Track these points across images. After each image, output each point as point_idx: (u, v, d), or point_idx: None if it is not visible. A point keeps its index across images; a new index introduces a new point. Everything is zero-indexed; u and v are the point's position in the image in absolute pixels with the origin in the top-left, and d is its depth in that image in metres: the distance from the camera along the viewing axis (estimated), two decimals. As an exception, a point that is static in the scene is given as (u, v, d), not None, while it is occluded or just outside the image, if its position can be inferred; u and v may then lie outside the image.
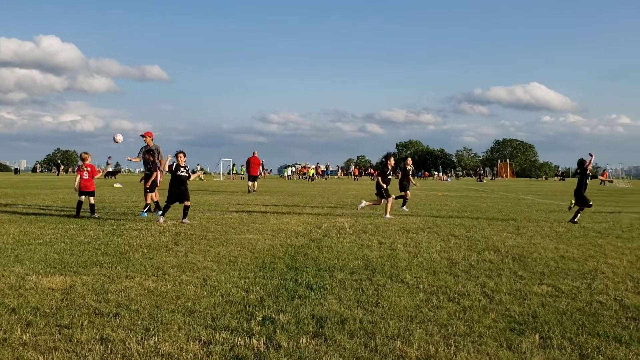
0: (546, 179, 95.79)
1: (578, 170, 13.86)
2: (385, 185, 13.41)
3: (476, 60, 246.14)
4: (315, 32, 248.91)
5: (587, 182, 13.18)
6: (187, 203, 11.19)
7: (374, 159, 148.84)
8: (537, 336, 4.05)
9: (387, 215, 13.05)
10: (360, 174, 67.15)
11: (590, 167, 13.44)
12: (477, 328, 4.23)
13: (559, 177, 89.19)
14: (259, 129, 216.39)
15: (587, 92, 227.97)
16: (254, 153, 27.01)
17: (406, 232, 10.14)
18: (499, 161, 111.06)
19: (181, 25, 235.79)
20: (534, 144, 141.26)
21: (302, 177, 62.99)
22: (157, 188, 12.80)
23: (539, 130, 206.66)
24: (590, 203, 13.16)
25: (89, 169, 12.14)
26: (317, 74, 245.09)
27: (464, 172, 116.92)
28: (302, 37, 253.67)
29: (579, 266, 7.02)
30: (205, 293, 5.21)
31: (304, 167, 69.86)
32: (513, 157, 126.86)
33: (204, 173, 57.87)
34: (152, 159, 12.49)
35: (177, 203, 11.25)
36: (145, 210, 12.33)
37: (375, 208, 14.71)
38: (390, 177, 13.89)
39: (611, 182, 39.12)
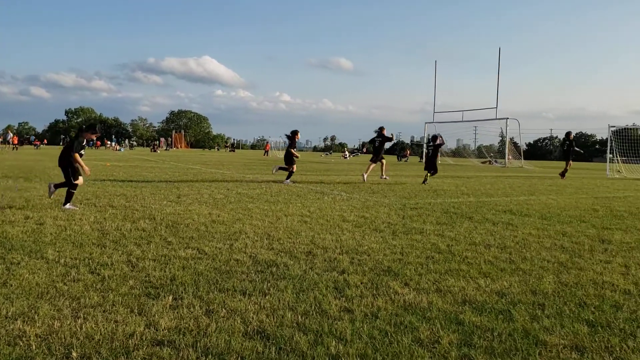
0: (218, 149, 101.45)
1: (431, 144, 17.72)
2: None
3: (148, 27, 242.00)
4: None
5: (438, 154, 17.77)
6: None
7: (39, 126, 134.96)
8: (170, 298, 4.23)
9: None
10: (21, 143, 59.12)
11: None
12: (111, 297, 4.19)
13: (229, 149, 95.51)
14: None
15: (255, 70, 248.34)
16: None
17: (60, 206, 9.41)
18: (174, 132, 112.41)
19: None
20: (208, 116, 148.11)
21: None
22: None
23: (212, 104, 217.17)
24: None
25: None
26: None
27: (140, 142, 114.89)
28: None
29: (226, 229, 7.60)
30: None
31: None
32: (188, 128, 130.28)
33: None
34: None
35: None
36: None
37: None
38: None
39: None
